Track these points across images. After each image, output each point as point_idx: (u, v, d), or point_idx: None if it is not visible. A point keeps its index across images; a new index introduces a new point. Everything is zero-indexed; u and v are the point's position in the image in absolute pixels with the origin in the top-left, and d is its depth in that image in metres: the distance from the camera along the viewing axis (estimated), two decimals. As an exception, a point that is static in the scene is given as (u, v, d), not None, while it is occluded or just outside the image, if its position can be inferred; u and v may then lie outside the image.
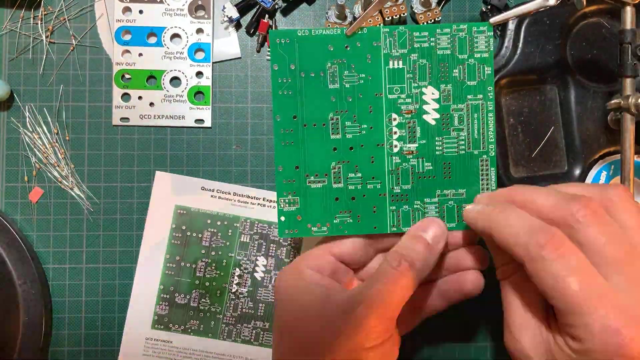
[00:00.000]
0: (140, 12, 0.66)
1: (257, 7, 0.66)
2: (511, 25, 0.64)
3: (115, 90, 0.66)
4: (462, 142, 0.55)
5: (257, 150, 0.67)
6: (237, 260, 0.67)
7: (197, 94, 0.67)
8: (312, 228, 0.56)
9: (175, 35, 0.66)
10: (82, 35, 0.67)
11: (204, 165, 0.67)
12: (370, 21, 0.63)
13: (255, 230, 0.67)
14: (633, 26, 0.56)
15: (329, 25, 0.64)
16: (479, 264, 0.57)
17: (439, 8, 0.65)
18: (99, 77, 0.67)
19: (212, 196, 0.67)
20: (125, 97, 0.66)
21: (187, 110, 0.67)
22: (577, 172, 0.64)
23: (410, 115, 0.55)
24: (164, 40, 0.66)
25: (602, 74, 0.64)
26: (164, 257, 0.67)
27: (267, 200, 0.67)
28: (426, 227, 0.53)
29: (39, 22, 0.66)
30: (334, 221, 0.56)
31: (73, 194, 0.66)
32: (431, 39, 0.54)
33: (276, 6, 0.66)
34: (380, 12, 0.64)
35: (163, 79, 0.66)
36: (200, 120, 0.67)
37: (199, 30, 0.66)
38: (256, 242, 0.67)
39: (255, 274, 0.67)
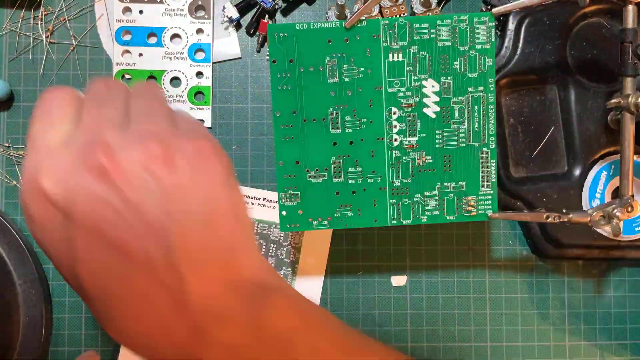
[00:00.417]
0: (141, 12, 0.66)
1: (257, 7, 0.66)
2: (511, 26, 0.64)
3: (116, 90, 0.66)
4: (463, 135, 0.55)
5: (257, 151, 0.67)
6: (238, 260, 0.66)
7: (197, 94, 0.67)
8: (314, 222, 0.56)
9: (175, 36, 0.67)
10: (82, 35, 0.67)
11: (204, 165, 0.67)
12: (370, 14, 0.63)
13: (255, 231, 0.66)
14: (634, 25, 0.56)
15: (328, 24, 0.65)
16: None
17: (439, 8, 0.65)
18: (99, 77, 0.67)
19: (212, 196, 0.66)
20: (126, 97, 0.66)
21: (187, 111, 0.66)
22: (577, 172, 0.64)
23: (410, 109, 0.55)
24: (164, 41, 0.66)
25: (602, 74, 0.64)
26: (164, 258, 0.66)
27: (267, 200, 0.66)
28: None
29: (39, 22, 0.66)
30: (335, 215, 0.56)
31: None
32: (431, 31, 0.54)
33: (276, 6, 0.66)
34: (380, 12, 0.65)
35: (163, 79, 0.66)
36: (201, 121, 0.67)
37: (199, 31, 0.67)
38: (257, 243, 0.66)
39: (255, 274, 0.66)
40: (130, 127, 0.37)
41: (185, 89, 0.66)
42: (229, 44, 0.67)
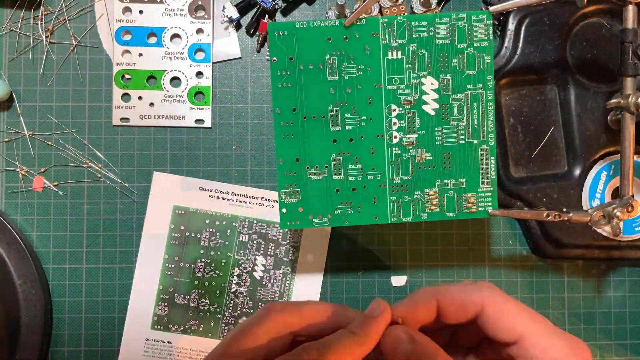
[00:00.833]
0: (141, 12, 0.66)
1: (257, 7, 0.66)
2: (511, 26, 0.64)
3: (115, 90, 0.66)
4: (462, 132, 0.55)
5: (257, 151, 0.67)
6: (236, 260, 0.66)
7: (197, 94, 0.67)
8: (314, 219, 0.56)
9: (175, 36, 0.67)
10: (82, 35, 0.67)
11: (204, 165, 0.67)
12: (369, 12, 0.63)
13: (254, 230, 0.67)
14: (634, 25, 0.56)
15: (328, 24, 0.65)
16: None
17: (439, 8, 0.66)
18: (99, 77, 0.67)
19: (210, 196, 0.67)
20: (125, 97, 0.66)
21: (187, 111, 0.67)
22: (577, 172, 0.64)
23: (409, 106, 0.55)
24: (164, 41, 0.66)
25: (602, 74, 0.65)
26: (162, 258, 0.66)
27: (266, 200, 0.67)
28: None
29: (39, 22, 0.66)
30: (335, 212, 0.56)
31: (73, 194, 0.66)
32: (430, 29, 0.54)
33: (276, 6, 0.66)
34: (380, 12, 0.65)
35: (163, 79, 0.66)
36: (200, 121, 0.67)
37: (199, 31, 0.67)
38: (255, 242, 0.67)
39: (254, 274, 0.66)
40: None
41: (185, 89, 0.66)
42: (229, 44, 0.67)
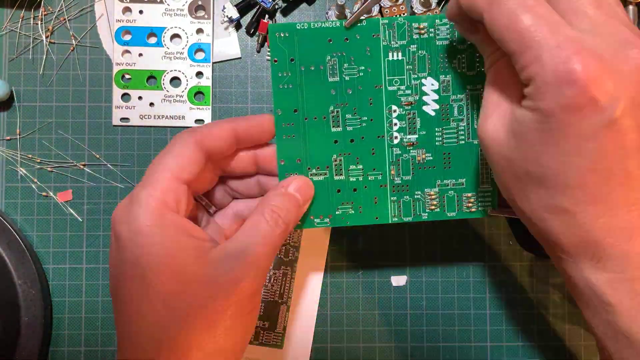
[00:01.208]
0: (140, 12, 0.66)
1: (257, 7, 0.66)
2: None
3: (115, 90, 0.66)
4: (462, 132, 0.55)
5: (257, 151, 0.67)
6: (238, 260, 0.66)
7: (197, 94, 0.67)
8: (315, 220, 0.56)
9: (175, 36, 0.67)
10: (82, 35, 0.67)
11: (204, 165, 0.67)
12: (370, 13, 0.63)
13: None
14: (635, 25, 0.56)
15: (328, 24, 0.65)
16: None
17: (439, 8, 0.65)
18: (99, 77, 0.67)
19: (212, 196, 0.67)
20: (125, 97, 0.67)
21: (187, 111, 0.67)
22: (577, 171, 0.64)
23: (410, 107, 0.55)
24: (164, 41, 0.66)
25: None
26: (164, 258, 0.66)
27: (267, 200, 0.67)
28: (301, 189, 0.53)
29: (39, 22, 0.66)
30: (336, 213, 0.56)
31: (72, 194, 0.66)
32: (430, 30, 0.54)
33: (276, 6, 0.66)
34: (380, 12, 0.65)
35: (163, 79, 0.66)
36: (201, 121, 0.67)
37: (199, 31, 0.67)
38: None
39: (255, 274, 0.66)
40: None
41: (185, 89, 0.66)
42: (229, 44, 0.67)
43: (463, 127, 0.55)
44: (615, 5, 0.41)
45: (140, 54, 0.67)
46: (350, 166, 0.55)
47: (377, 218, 0.56)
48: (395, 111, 0.55)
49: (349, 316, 0.67)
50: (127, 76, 0.67)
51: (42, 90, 0.66)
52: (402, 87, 0.55)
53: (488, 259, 0.67)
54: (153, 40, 0.67)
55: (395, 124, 0.55)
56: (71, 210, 0.66)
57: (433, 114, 0.55)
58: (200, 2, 0.67)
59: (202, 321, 0.45)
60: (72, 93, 0.67)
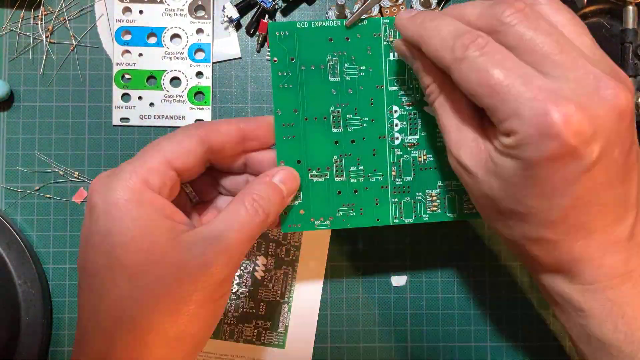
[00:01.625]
0: (140, 12, 0.66)
1: (257, 7, 0.66)
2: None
3: (115, 90, 0.66)
4: None
5: (257, 151, 0.67)
6: (238, 260, 0.66)
7: (197, 94, 0.67)
8: (315, 222, 0.55)
9: (175, 36, 0.67)
10: (82, 35, 0.67)
11: (204, 165, 0.67)
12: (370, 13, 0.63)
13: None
14: (635, 26, 0.56)
15: (328, 24, 0.65)
16: None
17: (439, 8, 0.65)
18: (99, 77, 0.67)
19: (212, 197, 0.67)
20: (125, 97, 0.66)
21: (187, 111, 0.66)
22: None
23: (411, 107, 0.55)
24: (164, 41, 0.66)
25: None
26: (164, 259, 0.66)
27: (267, 200, 0.67)
28: (286, 180, 0.53)
29: (39, 22, 0.66)
30: (337, 214, 0.55)
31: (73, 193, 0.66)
32: None
33: (276, 6, 0.66)
34: (381, 12, 0.65)
35: (163, 79, 0.66)
36: (201, 121, 0.67)
37: (199, 31, 0.67)
38: (255, 242, 0.66)
39: (255, 274, 0.66)
40: None
41: (185, 89, 0.66)
42: (229, 44, 0.67)
43: (464, 128, 0.55)
44: (578, 43, 0.43)
45: (140, 54, 0.66)
46: (351, 167, 0.55)
47: (378, 220, 0.56)
48: (396, 112, 0.55)
49: (349, 316, 0.67)
50: (127, 76, 0.66)
51: (42, 90, 0.66)
52: (404, 87, 0.54)
53: (488, 259, 0.67)
54: (153, 40, 0.67)
55: (397, 125, 0.55)
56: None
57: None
58: (200, 2, 0.66)
59: (166, 303, 0.45)
60: (72, 93, 0.67)
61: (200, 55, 0.67)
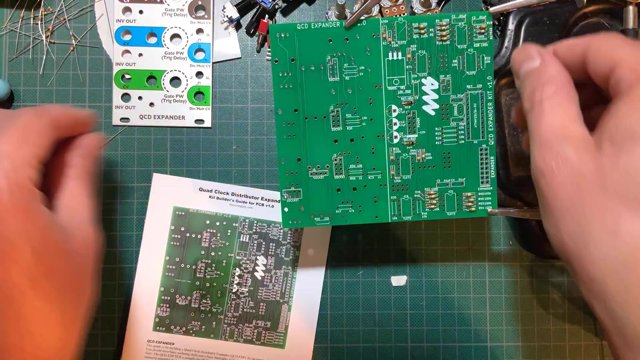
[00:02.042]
0: (140, 12, 0.66)
1: (257, 7, 0.66)
2: (511, 26, 0.64)
3: (115, 90, 0.66)
4: (462, 132, 0.55)
5: (257, 151, 0.67)
6: (237, 260, 0.66)
7: (197, 94, 0.67)
8: (315, 218, 0.56)
9: (175, 36, 0.67)
10: (82, 35, 0.67)
11: (204, 165, 0.67)
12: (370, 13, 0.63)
13: (254, 230, 0.67)
14: (635, 25, 0.56)
15: (328, 24, 0.65)
16: None
17: (439, 8, 0.66)
18: (99, 77, 0.67)
19: (210, 197, 0.67)
20: (125, 97, 0.67)
21: (187, 111, 0.67)
22: (577, 171, 0.64)
23: (410, 106, 0.55)
24: (164, 41, 0.66)
25: (601, 74, 0.65)
26: (163, 259, 0.66)
27: (266, 200, 0.67)
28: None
29: (39, 22, 0.66)
30: (336, 211, 0.56)
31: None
32: (430, 30, 0.54)
33: (276, 6, 0.66)
34: (380, 12, 0.65)
35: (163, 79, 0.66)
36: (200, 121, 0.67)
37: (199, 31, 0.67)
38: (255, 242, 0.67)
39: (255, 274, 0.66)
40: None
41: (185, 89, 0.66)
42: (228, 44, 0.67)
43: (463, 127, 0.55)
44: None
45: (140, 54, 0.67)
46: (350, 165, 0.55)
47: (376, 217, 0.56)
48: (395, 111, 0.55)
49: (349, 316, 0.67)
50: (127, 76, 0.67)
51: (42, 90, 0.66)
52: (402, 87, 0.55)
53: (488, 259, 0.67)
54: (153, 40, 0.67)
55: (395, 124, 0.55)
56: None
57: (433, 113, 0.55)
58: (200, 2, 0.67)
59: None
60: (72, 93, 0.67)
61: (200, 55, 0.67)
